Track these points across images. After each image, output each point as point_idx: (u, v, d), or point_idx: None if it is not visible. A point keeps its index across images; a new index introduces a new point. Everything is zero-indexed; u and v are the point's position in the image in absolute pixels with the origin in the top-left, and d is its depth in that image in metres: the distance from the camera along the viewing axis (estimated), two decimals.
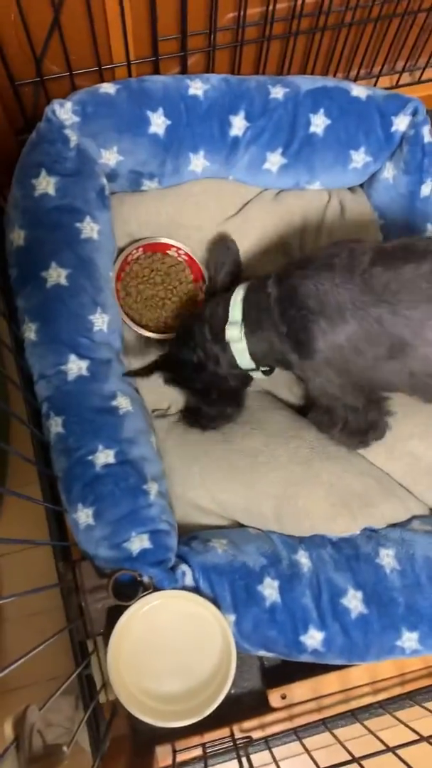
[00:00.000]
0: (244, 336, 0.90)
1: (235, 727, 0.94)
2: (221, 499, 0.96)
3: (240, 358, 0.92)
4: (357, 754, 0.73)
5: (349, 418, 0.94)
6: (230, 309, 0.90)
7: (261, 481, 0.96)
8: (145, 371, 0.97)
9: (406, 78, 1.33)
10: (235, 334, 0.90)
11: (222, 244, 1.06)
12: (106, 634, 0.80)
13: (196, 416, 1.00)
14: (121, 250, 1.06)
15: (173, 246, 1.08)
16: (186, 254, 1.08)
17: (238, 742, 0.91)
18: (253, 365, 0.93)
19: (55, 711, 0.90)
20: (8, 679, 1.07)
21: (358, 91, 1.07)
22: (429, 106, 1.11)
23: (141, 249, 1.07)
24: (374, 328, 0.80)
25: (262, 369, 0.95)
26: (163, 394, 1.02)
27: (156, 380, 1.00)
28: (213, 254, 1.06)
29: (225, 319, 0.91)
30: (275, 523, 0.96)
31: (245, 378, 0.98)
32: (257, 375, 0.96)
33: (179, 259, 1.08)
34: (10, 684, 1.08)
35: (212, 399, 0.98)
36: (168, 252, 1.09)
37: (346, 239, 0.89)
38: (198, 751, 0.92)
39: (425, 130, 1.05)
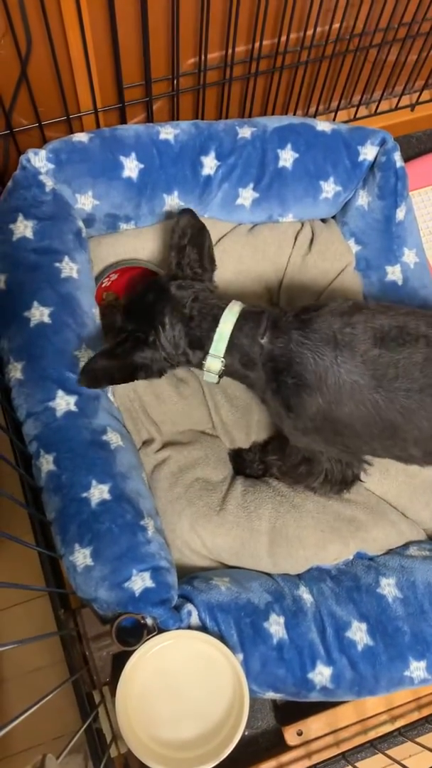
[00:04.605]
0: (223, 368, 0.87)
1: None
2: (212, 544, 0.95)
3: (208, 378, 0.89)
4: None
5: (335, 469, 0.93)
6: (214, 339, 0.84)
7: (251, 518, 0.96)
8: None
9: (363, 111, 1.38)
10: (215, 366, 0.87)
11: (189, 223, 0.94)
12: (113, 683, 0.77)
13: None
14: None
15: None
16: None
17: None
18: (215, 381, 0.89)
19: None
20: (12, 741, 1.03)
21: (323, 125, 1.11)
22: None
23: (112, 284, 1.09)
24: (370, 413, 0.82)
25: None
26: (142, 423, 1.01)
27: (136, 408, 1.00)
28: (176, 225, 0.94)
29: (202, 342, 0.85)
30: (269, 560, 0.95)
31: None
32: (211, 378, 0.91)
33: None
34: (14, 746, 1.03)
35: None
36: None
37: (341, 307, 0.86)
38: None
39: (396, 155, 1.09)
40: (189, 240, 0.92)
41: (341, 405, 0.82)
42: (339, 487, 0.97)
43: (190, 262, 0.92)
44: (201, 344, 0.86)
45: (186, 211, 0.94)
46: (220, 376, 0.88)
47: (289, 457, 0.96)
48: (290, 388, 0.83)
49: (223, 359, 0.86)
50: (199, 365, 0.88)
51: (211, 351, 0.85)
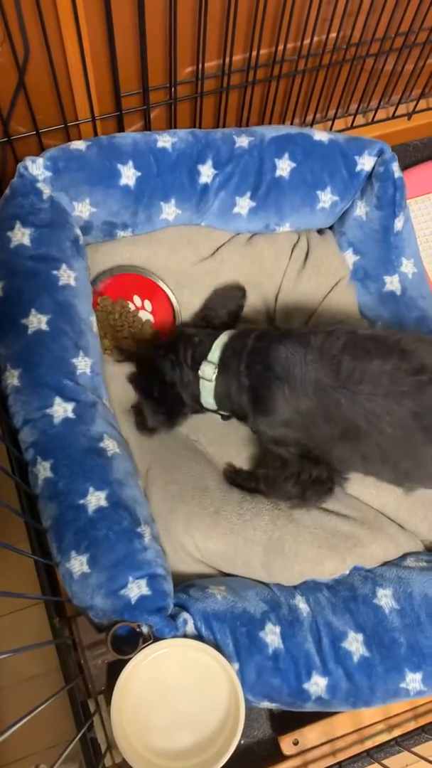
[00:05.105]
0: (215, 377, 0.94)
1: None
2: (204, 547, 0.94)
3: (205, 395, 0.96)
4: None
5: (305, 467, 0.94)
6: (212, 348, 0.95)
7: (246, 527, 0.95)
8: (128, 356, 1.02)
9: (360, 120, 1.39)
10: (208, 372, 0.95)
11: (232, 290, 1.11)
12: (108, 692, 0.77)
13: (139, 416, 1.01)
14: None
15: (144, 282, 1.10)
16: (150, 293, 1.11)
17: None
18: (214, 406, 0.97)
19: None
20: (6, 751, 1.02)
21: (321, 135, 1.11)
22: None
23: (107, 288, 1.09)
24: (332, 410, 0.87)
25: (222, 413, 1.00)
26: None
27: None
28: (220, 296, 1.10)
29: (205, 354, 0.95)
30: (263, 570, 0.94)
31: (197, 408, 1.01)
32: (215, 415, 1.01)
33: (140, 312, 1.12)
34: (9, 756, 1.02)
35: (160, 408, 0.99)
36: (132, 301, 1.11)
37: (330, 325, 0.94)
38: None
39: (394, 166, 1.10)
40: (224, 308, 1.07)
41: (306, 398, 0.88)
42: (314, 488, 0.94)
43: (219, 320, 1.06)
44: (203, 359, 0.95)
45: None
46: (219, 406, 0.97)
47: (272, 467, 0.97)
48: (260, 378, 0.90)
49: (216, 365, 0.94)
50: (196, 390, 0.97)
51: (208, 358, 0.95)
